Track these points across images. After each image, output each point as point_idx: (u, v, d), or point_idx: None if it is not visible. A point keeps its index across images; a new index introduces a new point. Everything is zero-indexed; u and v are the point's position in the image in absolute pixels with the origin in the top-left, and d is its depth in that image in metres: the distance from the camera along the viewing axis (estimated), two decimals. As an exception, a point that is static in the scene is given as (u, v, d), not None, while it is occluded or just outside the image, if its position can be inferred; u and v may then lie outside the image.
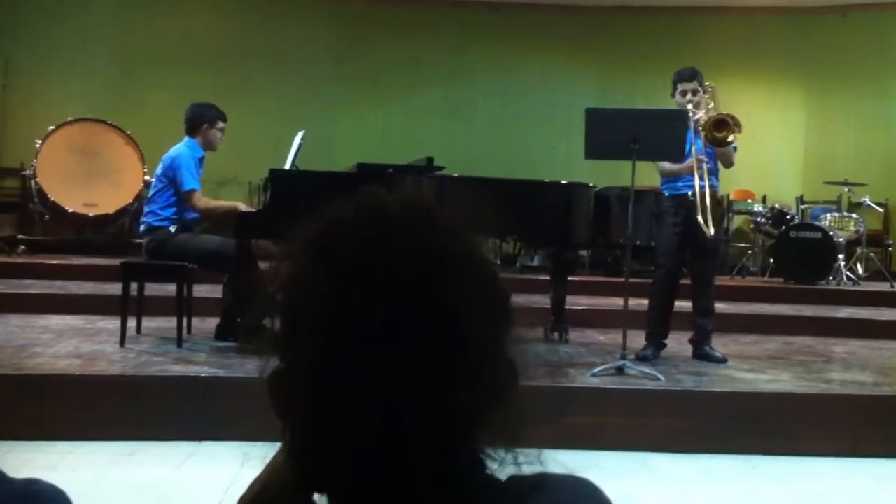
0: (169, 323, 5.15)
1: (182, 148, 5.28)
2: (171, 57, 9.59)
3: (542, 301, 5.72)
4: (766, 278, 8.73)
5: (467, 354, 0.67)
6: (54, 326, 5.58)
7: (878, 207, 9.06)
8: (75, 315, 5.98)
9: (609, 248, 8.20)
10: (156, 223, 5.19)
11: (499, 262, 8.56)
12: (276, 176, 5.03)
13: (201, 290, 5.53)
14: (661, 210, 5.29)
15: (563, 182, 5.48)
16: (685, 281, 5.28)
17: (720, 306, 5.52)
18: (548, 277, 6.01)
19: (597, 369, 4.59)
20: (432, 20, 10.15)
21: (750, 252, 9.07)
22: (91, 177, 8.15)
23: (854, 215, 8.57)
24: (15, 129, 9.21)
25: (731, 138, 4.89)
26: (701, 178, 4.86)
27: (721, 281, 7.52)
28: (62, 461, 3.72)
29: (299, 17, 9.95)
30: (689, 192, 4.93)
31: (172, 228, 5.17)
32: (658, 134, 4.65)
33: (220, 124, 5.40)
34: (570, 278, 6.06)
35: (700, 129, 4.90)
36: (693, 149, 4.90)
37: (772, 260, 8.55)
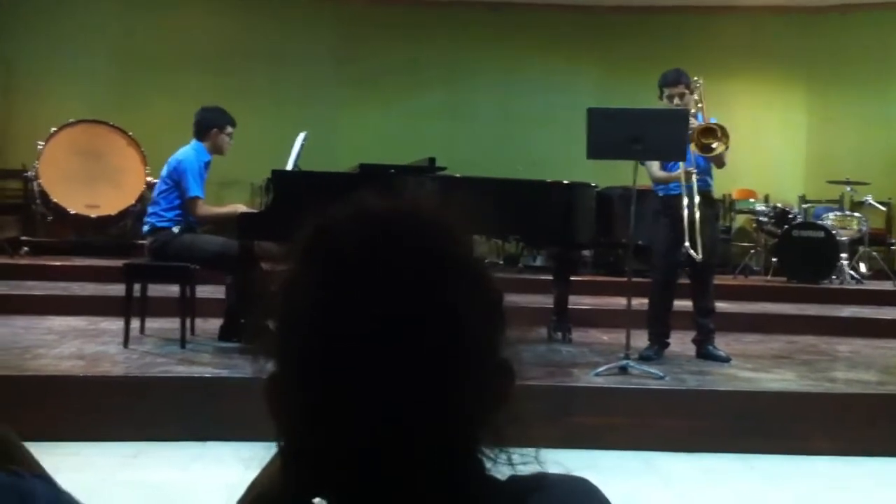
0: (172, 324, 5.16)
1: (189, 151, 5.27)
2: (173, 58, 9.59)
3: (545, 301, 5.72)
4: (768, 277, 8.71)
5: (467, 354, 0.67)
6: (58, 328, 5.59)
7: (880, 206, 9.04)
8: (79, 316, 5.99)
9: (611, 247, 8.18)
10: (159, 224, 5.19)
11: (501, 262, 8.58)
12: (279, 177, 5.03)
13: (204, 291, 5.52)
14: (654, 211, 5.29)
15: (566, 182, 5.48)
16: (685, 281, 5.28)
17: (723, 306, 5.52)
18: (550, 277, 6.01)
19: (600, 369, 4.59)
20: (433, 21, 10.13)
21: (753, 251, 9.05)
22: (93, 178, 8.15)
23: (857, 214, 8.55)
24: (17, 131, 9.20)
25: (715, 145, 4.89)
26: (689, 194, 4.86)
27: (724, 280, 7.53)
28: (66, 463, 3.71)
29: (300, 19, 9.94)
30: (682, 193, 4.94)
31: (176, 229, 5.17)
32: (660, 134, 4.64)
33: (230, 129, 5.40)
34: (572, 278, 6.06)
35: (691, 135, 4.89)
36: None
37: (775, 259, 8.54)
